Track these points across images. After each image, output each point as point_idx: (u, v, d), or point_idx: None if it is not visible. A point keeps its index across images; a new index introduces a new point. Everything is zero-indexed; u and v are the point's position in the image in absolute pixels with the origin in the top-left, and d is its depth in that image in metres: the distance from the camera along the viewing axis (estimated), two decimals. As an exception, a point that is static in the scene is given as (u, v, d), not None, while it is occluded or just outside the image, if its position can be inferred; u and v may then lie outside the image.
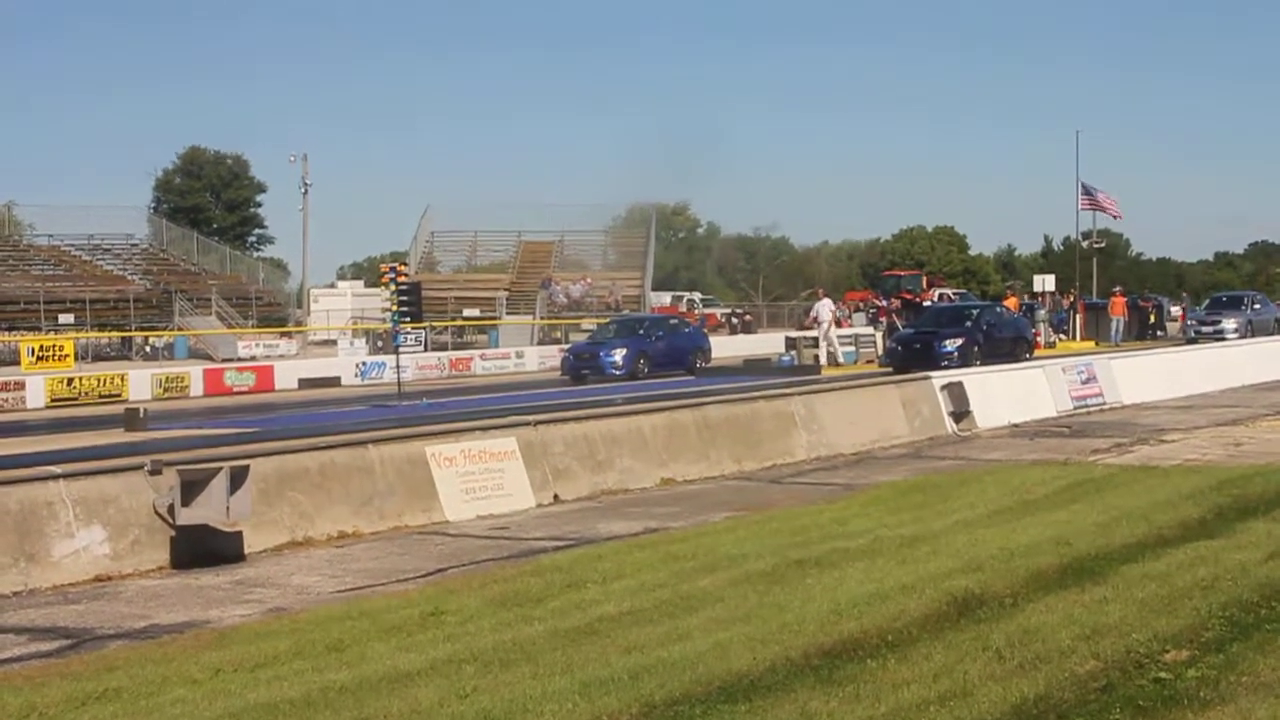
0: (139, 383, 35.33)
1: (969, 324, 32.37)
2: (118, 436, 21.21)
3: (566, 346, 41.94)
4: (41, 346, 37.95)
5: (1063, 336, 43.59)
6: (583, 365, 34.94)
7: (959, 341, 30.67)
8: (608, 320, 42.82)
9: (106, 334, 47.76)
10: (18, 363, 37.62)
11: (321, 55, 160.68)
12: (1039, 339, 37.95)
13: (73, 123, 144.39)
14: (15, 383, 33.37)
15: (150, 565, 11.67)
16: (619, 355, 34.41)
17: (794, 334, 43.46)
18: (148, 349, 47.38)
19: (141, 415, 23.55)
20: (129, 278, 53.95)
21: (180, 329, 48.56)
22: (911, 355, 30.30)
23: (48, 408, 32.39)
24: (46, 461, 13.10)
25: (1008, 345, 32.12)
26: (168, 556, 11.80)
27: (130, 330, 48.22)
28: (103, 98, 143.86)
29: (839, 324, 40.94)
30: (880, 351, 36.13)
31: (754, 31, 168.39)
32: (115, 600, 10.53)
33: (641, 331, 36.71)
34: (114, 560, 11.53)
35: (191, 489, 11.66)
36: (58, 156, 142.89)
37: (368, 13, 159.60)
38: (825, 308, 37.05)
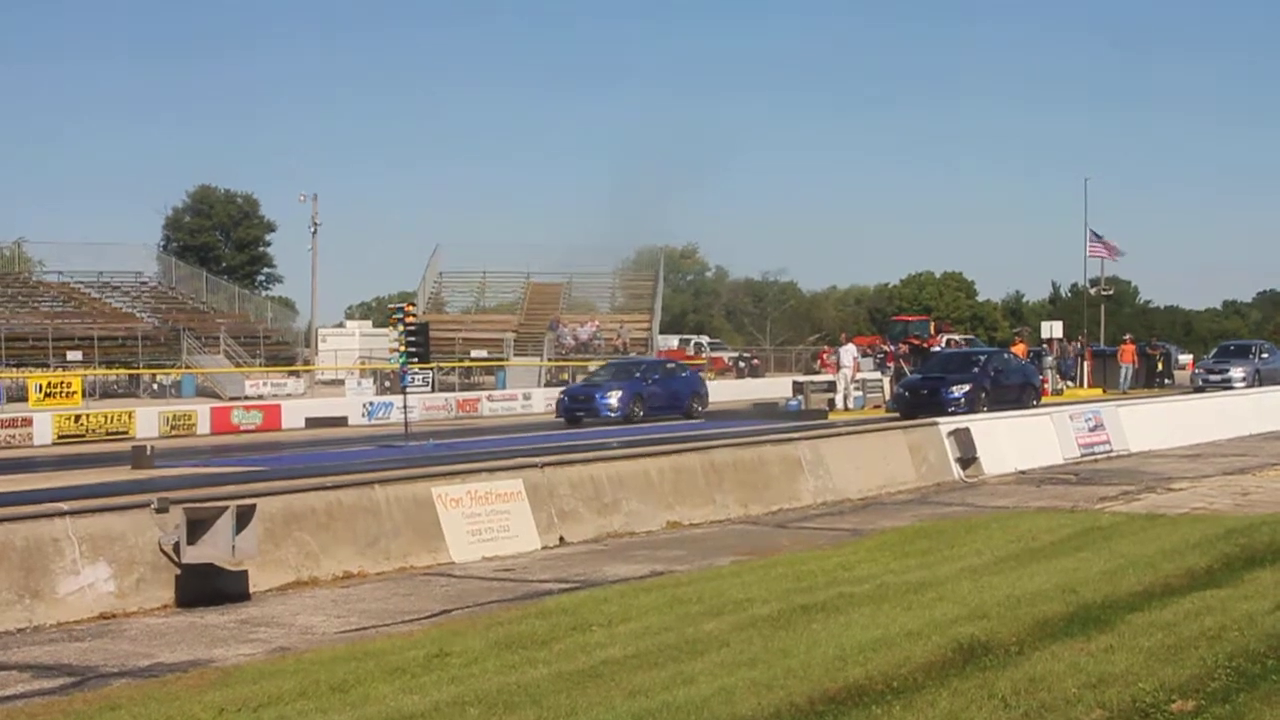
0: (146, 420, 35.48)
1: (976, 370, 32.35)
2: (124, 474, 21.23)
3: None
4: (49, 383, 38.07)
5: (1070, 383, 43.53)
6: (578, 407, 34.85)
7: (966, 388, 30.66)
8: (604, 362, 42.68)
9: (114, 371, 47.77)
10: (25, 399, 37.70)
11: (332, 95, 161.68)
12: (1046, 386, 37.92)
13: (83, 160, 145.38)
14: (23, 419, 33.48)
15: (155, 603, 11.67)
16: (614, 398, 34.24)
17: (802, 378, 43.44)
18: (155, 387, 47.40)
19: (148, 453, 23.62)
20: (138, 315, 54.05)
21: (188, 367, 48.59)
22: (919, 401, 30.27)
23: (55, 444, 32.51)
24: (53, 498, 13.11)
25: (1015, 392, 32.10)
26: (173, 595, 11.80)
27: (138, 368, 48.27)
28: (113, 135, 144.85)
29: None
30: (887, 397, 36.13)
31: (763, 75, 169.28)
32: (119, 638, 10.52)
33: (638, 375, 36.48)
34: (119, 598, 11.53)
35: (197, 528, 11.68)
36: (68, 193, 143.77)
37: (379, 52, 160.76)
38: (848, 353, 37.10)
